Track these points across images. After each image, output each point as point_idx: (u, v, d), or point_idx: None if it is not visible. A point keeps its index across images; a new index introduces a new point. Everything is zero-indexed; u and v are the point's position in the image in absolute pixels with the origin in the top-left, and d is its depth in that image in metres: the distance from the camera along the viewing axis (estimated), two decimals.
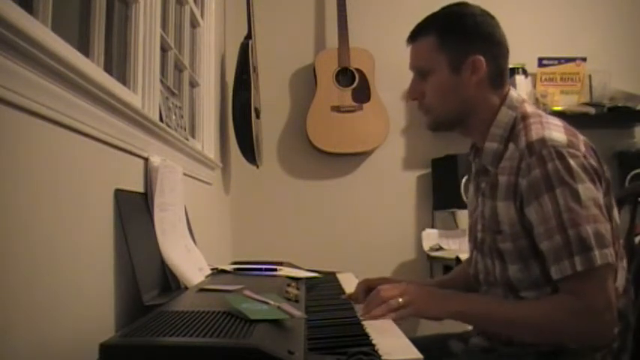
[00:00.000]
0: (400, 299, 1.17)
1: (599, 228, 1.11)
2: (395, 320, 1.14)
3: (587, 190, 1.12)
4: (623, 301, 1.22)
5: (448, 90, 1.29)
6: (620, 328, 1.18)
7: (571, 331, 1.13)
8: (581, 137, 1.22)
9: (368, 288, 1.33)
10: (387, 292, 1.18)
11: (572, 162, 1.13)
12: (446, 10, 1.33)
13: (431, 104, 1.32)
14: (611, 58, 3.27)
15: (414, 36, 1.34)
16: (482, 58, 1.26)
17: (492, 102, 1.29)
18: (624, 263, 1.24)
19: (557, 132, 1.19)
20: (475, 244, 1.35)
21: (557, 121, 1.24)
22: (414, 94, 1.35)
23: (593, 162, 1.17)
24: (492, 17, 1.32)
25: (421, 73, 1.32)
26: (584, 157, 1.15)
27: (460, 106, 1.29)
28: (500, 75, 1.30)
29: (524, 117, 1.25)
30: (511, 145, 1.23)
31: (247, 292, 1.03)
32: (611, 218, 1.18)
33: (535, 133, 1.19)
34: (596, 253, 1.09)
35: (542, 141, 1.16)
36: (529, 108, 1.28)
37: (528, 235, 1.18)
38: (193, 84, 2.32)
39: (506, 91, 1.30)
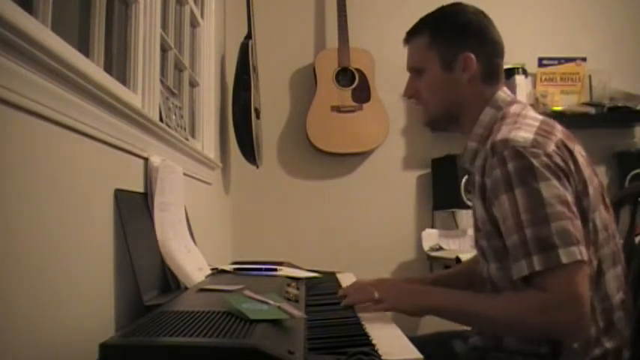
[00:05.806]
0: (376, 294, 1.23)
1: (565, 225, 1.07)
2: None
3: (551, 187, 1.10)
4: (618, 314, 1.18)
5: (440, 87, 1.32)
6: (615, 345, 1.16)
7: (539, 325, 1.10)
8: (558, 137, 1.18)
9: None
10: (364, 284, 1.30)
11: (534, 161, 1.11)
12: (438, 10, 1.36)
13: (425, 101, 1.36)
14: (611, 58, 3.27)
15: (409, 37, 1.38)
16: (472, 56, 1.28)
17: (485, 100, 1.30)
18: (618, 270, 1.20)
19: (525, 132, 1.16)
20: None
21: (533, 121, 1.22)
22: (409, 91, 1.40)
23: (559, 161, 1.13)
24: (485, 16, 1.33)
25: (416, 71, 1.36)
26: (548, 155, 1.12)
27: (452, 102, 1.32)
28: (494, 73, 1.31)
29: (503, 117, 1.26)
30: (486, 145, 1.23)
31: (247, 292, 1.03)
32: (587, 220, 1.14)
33: (501, 134, 1.18)
34: (560, 251, 1.05)
35: (505, 141, 1.14)
36: (515, 109, 1.27)
37: (500, 234, 1.17)
38: (193, 84, 2.32)
39: (495, 91, 1.30)
